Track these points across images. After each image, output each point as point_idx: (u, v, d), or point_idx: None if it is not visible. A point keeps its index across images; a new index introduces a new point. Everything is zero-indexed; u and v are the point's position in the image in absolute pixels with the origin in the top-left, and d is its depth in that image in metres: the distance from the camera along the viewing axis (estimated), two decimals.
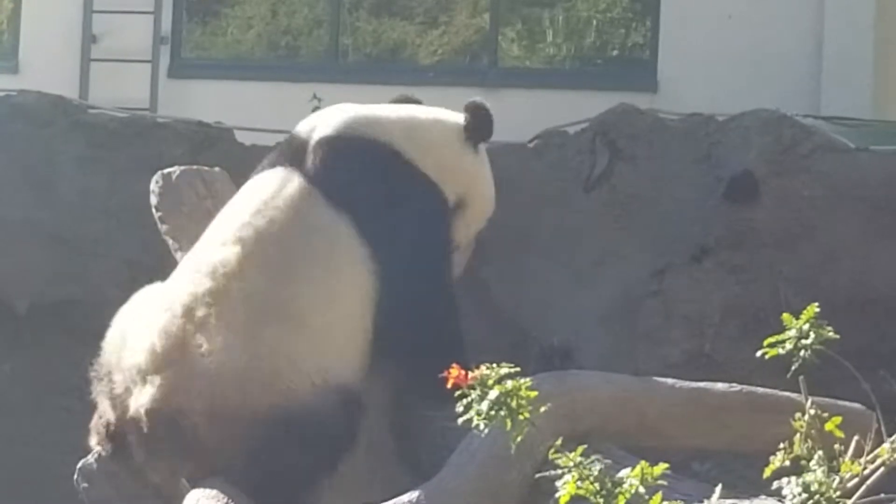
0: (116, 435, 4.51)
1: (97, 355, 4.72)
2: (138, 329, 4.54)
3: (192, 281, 4.55)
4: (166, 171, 5.68)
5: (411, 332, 4.62)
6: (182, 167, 5.69)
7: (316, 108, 9.18)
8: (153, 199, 5.58)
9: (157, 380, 4.37)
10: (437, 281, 4.81)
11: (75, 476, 5.24)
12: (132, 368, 4.46)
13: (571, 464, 2.96)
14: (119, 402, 4.50)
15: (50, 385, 8.65)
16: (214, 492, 4.08)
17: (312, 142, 4.88)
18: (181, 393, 4.31)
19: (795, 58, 12.16)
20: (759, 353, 3.19)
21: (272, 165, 4.94)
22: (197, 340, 4.40)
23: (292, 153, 4.95)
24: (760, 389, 4.37)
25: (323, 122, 4.94)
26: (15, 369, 9.23)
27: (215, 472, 4.34)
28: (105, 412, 4.59)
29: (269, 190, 4.73)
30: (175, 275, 4.79)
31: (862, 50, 12.40)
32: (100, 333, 4.68)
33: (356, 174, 4.79)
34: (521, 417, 2.99)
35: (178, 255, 5.19)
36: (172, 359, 4.39)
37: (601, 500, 2.89)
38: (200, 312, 4.42)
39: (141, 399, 4.35)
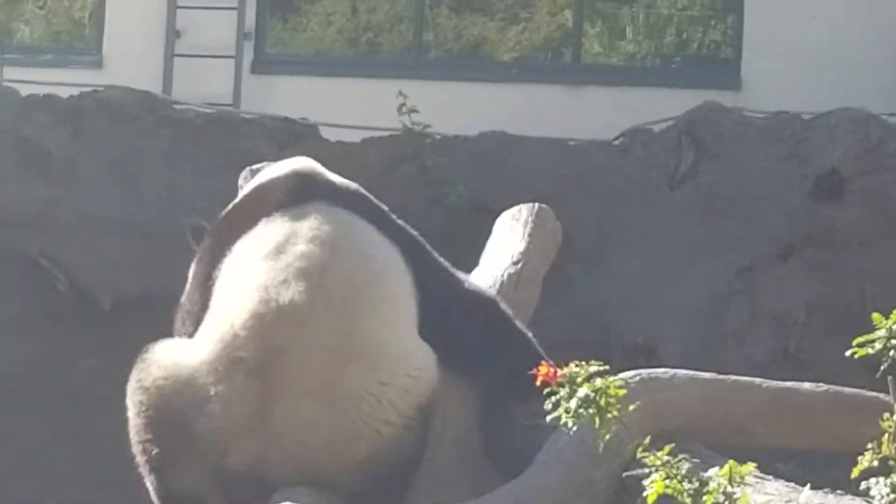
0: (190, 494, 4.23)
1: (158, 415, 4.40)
2: (210, 391, 4.20)
3: (260, 332, 4.20)
4: (254, 166, 5.43)
5: (480, 339, 4.53)
6: (269, 163, 5.48)
7: (402, 105, 9.65)
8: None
9: (240, 447, 4.14)
10: (481, 289, 4.80)
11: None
12: (212, 432, 4.15)
13: (659, 462, 2.86)
14: (196, 464, 4.19)
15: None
16: None
17: (335, 179, 4.75)
18: (267, 464, 4.13)
19: (879, 57, 12.07)
20: (847, 353, 3.09)
21: (282, 205, 4.60)
22: (276, 405, 4.15)
23: (307, 190, 4.66)
24: (847, 389, 4.28)
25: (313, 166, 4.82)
26: (98, 365, 9.23)
27: None
28: (177, 473, 4.28)
29: (309, 223, 4.44)
30: (232, 315, 4.30)
31: None
32: None
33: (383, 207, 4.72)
34: (609, 416, 2.94)
35: None
36: (253, 426, 4.15)
37: (689, 500, 2.86)
38: (276, 371, 4.18)
39: (227, 463, 4.14)
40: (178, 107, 10.38)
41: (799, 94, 10.74)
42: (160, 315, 5.10)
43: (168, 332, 4.79)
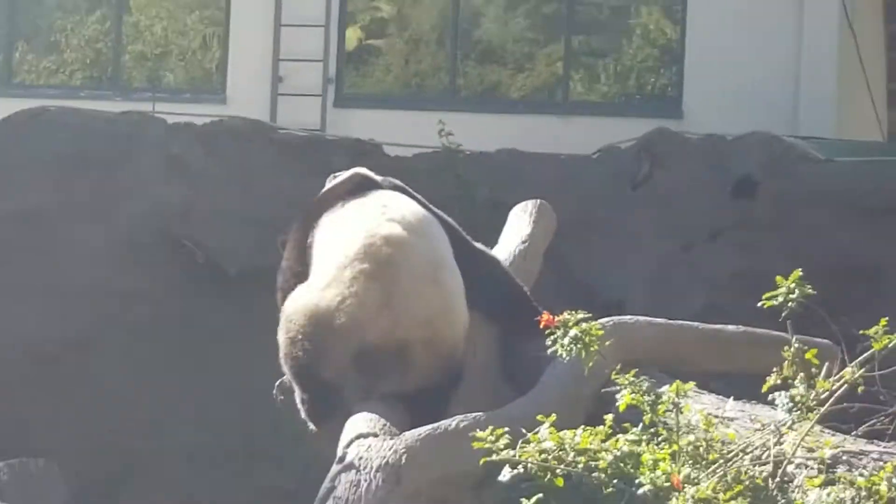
0: (333, 364, 3.96)
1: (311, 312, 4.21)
2: (343, 297, 4.06)
3: (371, 254, 4.17)
4: (335, 174, 5.47)
5: (499, 295, 4.61)
6: (344, 171, 5.60)
7: (441, 130, 10.08)
8: None
9: (376, 325, 3.97)
10: (497, 258, 4.89)
11: (274, 391, 4.98)
12: (352, 321, 4.01)
13: (627, 382, 3.10)
14: (340, 351, 4.02)
15: (251, 341, 8.26)
16: (370, 415, 3.81)
17: (379, 178, 4.92)
18: (399, 328, 3.96)
19: (781, 95, 12.82)
20: (759, 304, 3.37)
21: (359, 191, 4.78)
22: (396, 294, 4.28)
23: (364, 184, 4.84)
24: (759, 330, 4.27)
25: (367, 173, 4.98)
26: (226, 315, 9.40)
27: (415, 389, 4.04)
28: (325, 364, 4.11)
29: (376, 197, 4.63)
30: (343, 251, 4.49)
31: (828, 85, 12.99)
32: None
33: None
34: (591, 349, 3.16)
35: None
36: (381, 310, 4.00)
37: (648, 408, 3.05)
38: (389, 275, 4.17)
39: (367, 340, 3.91)
40: (281, 131, 10.62)
41: (724, 122, 11.10)
42: (270, 280, 5.07)
43: (273, 290, 4.81)
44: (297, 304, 4.16)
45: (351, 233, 4.23)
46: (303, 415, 4.26)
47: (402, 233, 4.16)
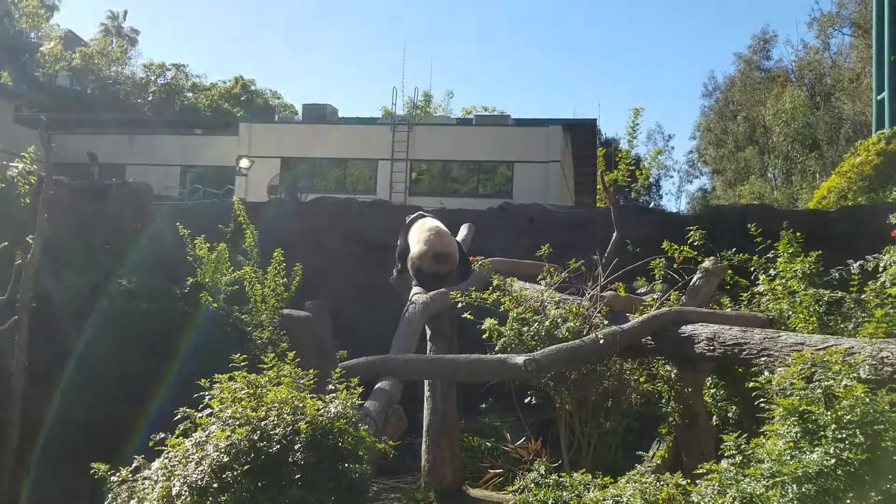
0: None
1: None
2: (418, 238, 8.54)
3: (433, 245, 8.51)
4: (412, 214, 9.66)
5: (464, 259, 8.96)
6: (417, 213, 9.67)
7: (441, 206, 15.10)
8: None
9: (438, 248, 8.38)
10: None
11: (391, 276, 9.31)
12: (424, 264, 8.44)
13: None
14: (429, 253, 8.37)
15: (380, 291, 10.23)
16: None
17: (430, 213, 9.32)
18: (443, 250, 8.44)
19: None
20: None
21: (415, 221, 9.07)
22: (441, 241, 8.50)
23: (422, 214, 9.34)
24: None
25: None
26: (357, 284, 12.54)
27: (445, 272, 8.38)
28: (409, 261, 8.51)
29: (427, 218, 9.05)
30: (420, 242, 8.54)
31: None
32: None
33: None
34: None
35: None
36: (440, 243, 8.44)
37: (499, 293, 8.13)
38: (438, 251, 8.42)
39: (436, 250, 8.40)
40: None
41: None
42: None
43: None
44: (413, 251, 8.48)
45: (421, 228, 8.73)
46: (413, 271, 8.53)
47: (437, 224, 8.78)
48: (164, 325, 9.61)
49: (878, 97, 24.79)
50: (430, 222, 8.81)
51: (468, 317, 7.47)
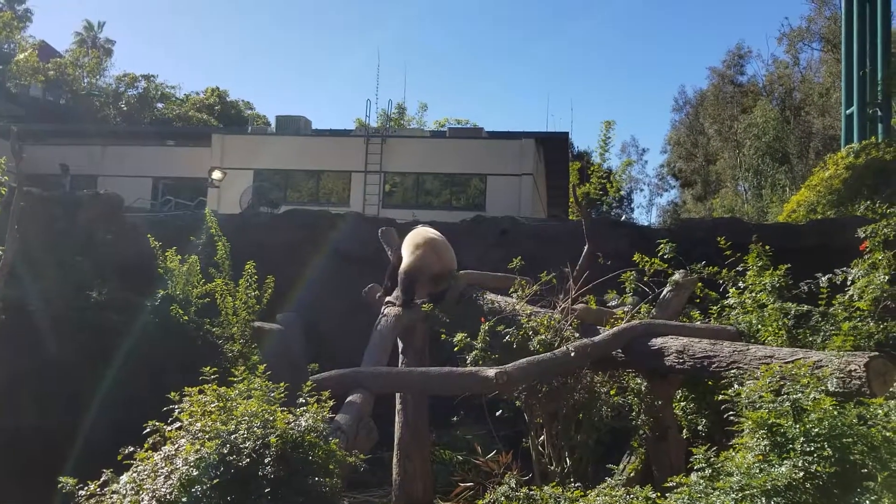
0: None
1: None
2: (423, 263, 8.32)
3: (429, 249, 8.43)
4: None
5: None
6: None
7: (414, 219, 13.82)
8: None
9: (434, 265, 8.37)
10: None
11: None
12: (425, 266, 8.29)
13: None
14: (425, 272, 8.30)
15: None
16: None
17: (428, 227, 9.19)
18: (441, 267, 8.40)
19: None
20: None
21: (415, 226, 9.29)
22: (430, 251, 8.39)
23: (421, 225, 9.38)
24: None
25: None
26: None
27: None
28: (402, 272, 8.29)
29: (423, 227, 9.04)
30: (412, 241, 8.53)
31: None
32: None
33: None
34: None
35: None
36: (437, 259, 8.40)
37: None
38: (427, 245, 8.48)
39: (433, 269, 8.36)
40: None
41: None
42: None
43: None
44: (404, 264, 8.33)
45: (417, 244, 8.53)
46: (398, 303, 8.09)
47: (434, 235, 8.65)
48: (133, 337, 9.55)
49: (847, 111, 25.15)
50: (423, 234, 8.81)
51: (442, 335, 7.57)
